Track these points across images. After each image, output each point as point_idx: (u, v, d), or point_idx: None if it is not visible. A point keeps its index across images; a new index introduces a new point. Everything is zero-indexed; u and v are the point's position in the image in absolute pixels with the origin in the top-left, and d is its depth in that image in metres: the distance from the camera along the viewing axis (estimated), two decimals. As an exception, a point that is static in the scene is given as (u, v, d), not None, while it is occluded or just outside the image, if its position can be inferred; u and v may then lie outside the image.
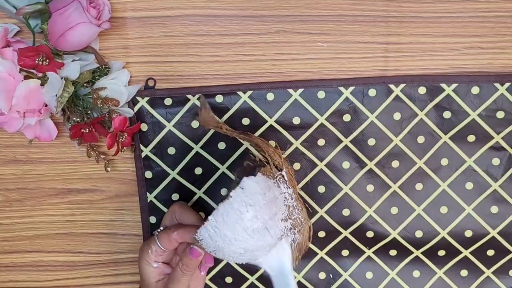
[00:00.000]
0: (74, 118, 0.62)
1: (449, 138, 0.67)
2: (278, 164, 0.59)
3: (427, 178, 0.68)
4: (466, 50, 0.66)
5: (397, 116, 0.66)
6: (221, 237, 0.53)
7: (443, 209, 0.69)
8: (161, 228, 0.61)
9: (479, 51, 0.66)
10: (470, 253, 0.70)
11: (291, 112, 0.66)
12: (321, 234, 0.70)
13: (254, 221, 0.53)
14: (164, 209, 0.68)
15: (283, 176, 0.58)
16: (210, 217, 0.53)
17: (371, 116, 0.66)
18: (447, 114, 0.66)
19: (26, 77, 0.60)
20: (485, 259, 0.71)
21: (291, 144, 0.67)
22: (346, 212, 0.69)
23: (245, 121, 0.66)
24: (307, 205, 0.67)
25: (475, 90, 0.66)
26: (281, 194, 0.57)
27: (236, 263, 0.70)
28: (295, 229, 0.58)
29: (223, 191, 0.68)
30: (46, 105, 0.61)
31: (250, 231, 0.53)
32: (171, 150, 0.67)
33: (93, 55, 0.63)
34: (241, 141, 0.65)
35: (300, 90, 0.66)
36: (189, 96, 0.65)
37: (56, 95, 0.60)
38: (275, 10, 0.65)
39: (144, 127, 0.66)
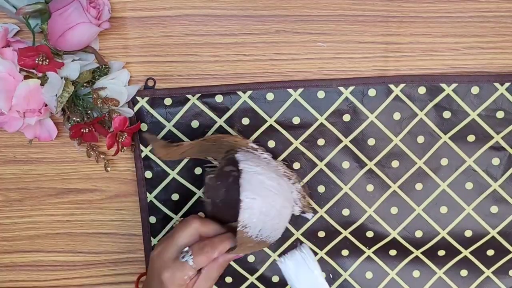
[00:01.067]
0: (74, 118, 0.62)
1: (449, 138, 0.67)
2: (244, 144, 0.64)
3: (427, 178, 0.68)
4: (466, 50, 0.66)
5: (397, 116, 0.66)
6: (258, 212, 0.57)
7: (443, 209, 0.69)
8: (186, 249, 0.58)
9: (479, 51, 0.66)
10: (470, 253, 0.70)
11: (291, 112, 0.66)
12: (321, 234, 0.70)
13: (272, 180, 0.59)
14: (164, 209, 0.68)
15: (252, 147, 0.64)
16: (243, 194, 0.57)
17: (371, 116, 0.66)
18: (447, 114, 0.66)
19: (26, 77, 0.60)
20: (485, 259, 0.70)
21: (291, 143, 0.67)
22: (346, 212, 0.69)
23: (245, 120, 0.66)
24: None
25: (475, 90, 0.66)
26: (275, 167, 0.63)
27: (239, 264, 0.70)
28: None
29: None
30: (46, 105, 0.61)
31: (274, 190, 0.59)
32: (171, 150, 0.67)
33: (93, 55, 0.63)
34: (208, 157, 0.67)
35: (300, 90, 0.66)
36: (189, 96, 0.65)
37: (56, 95, 0.60)
38: (275, 10, 0.65)
39: (144, 127, 0.66)
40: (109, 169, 0.67)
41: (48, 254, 0.72)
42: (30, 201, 0.70)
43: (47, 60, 0.59)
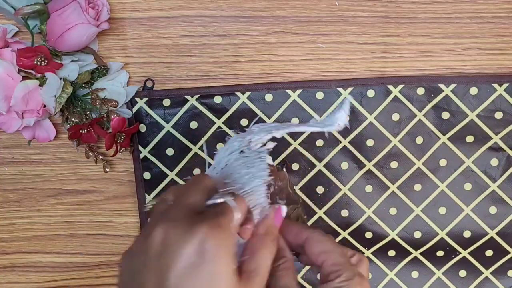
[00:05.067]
0: (73, 119, 0.62)
1: (448, 138, 0.67)
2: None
3: (426, 179, 0.68)
4: (465, 51, 0.66)
5: (395, 117, 0.66)
6: None
7: (442, 210, 0.69)
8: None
9: (478, 51, 0.66)
10: (469, 253, 0.70)
11: (289, 113, 0.66)
12: (320, 235, 0.70)
13: None
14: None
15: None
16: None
17: (369, 116, 0.66)
18: (445, 115, 0.67)
19: (24, 78, 0.60)
20: (484, 260, 0.71)
21: (290, 144, 0.67)
22: (344, 213, 0.69)
23: (244, 122, 0.66)
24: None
25: (473, 90, 0.66)
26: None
27: None
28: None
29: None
30: (44, 106, 0.61)
31: None
32: (170, 151, 0.67)
33: (91, 55, 0.63)
34: None
35: (298, 91, 0.66)
36: (188, 97, 0.65)
37: (55, 95, 0.60)
38: (274, 11, 0.65)
39: (142, 128, 0.66)
40: (107, 170, 0.66)
41: (46, 255, 0.71)
42: (28, 202, 0.70)
43: (46, 61, 0.59)
